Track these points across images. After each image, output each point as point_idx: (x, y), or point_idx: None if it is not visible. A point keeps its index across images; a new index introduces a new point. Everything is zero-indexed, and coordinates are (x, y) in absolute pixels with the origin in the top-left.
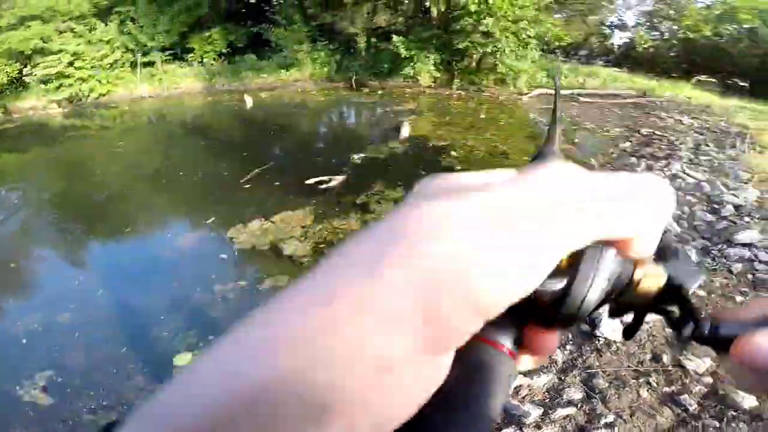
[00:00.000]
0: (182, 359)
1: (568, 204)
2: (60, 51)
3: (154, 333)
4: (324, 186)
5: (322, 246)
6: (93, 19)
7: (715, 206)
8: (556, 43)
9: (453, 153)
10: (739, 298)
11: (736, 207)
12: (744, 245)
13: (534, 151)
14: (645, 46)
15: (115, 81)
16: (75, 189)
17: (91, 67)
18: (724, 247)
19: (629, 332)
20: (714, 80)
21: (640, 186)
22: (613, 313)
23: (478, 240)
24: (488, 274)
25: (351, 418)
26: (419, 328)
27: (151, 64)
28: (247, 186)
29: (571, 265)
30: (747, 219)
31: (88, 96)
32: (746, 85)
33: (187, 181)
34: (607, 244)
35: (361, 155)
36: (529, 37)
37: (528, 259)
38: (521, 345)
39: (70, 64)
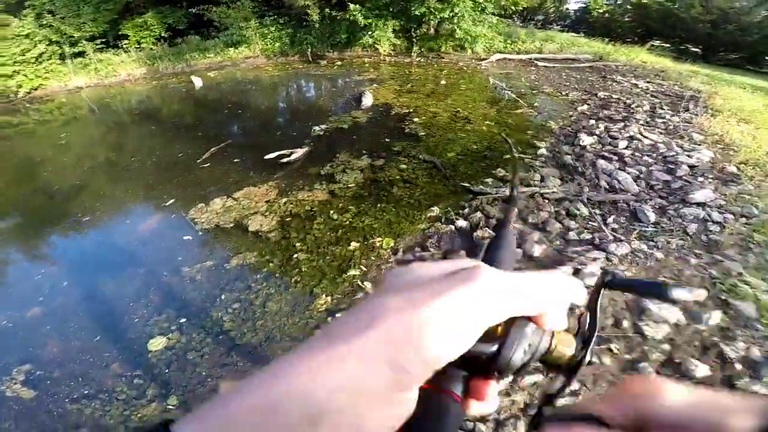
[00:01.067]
0: (156, 344)
1: (486, 295)
2: None
3: (125, 320)
4: (285, 160)
5: (288, 219)
6: (3, 15)
7: (671, 167)
8: (513, 8)
9: (416, 119)
10: (693, 261)
11: (691, 167)
12: (698, 204)
13: (495, 116)
14: (600, 11)
15: (45, 75)
16: (23, 185)
17: (14, 63)
18: (680, 206)
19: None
20: (668, 45)
21: (548, 280)
22: (547, 372)
23: (425, 318)
24: (432, 338)
25: (336, 425)
26: (386, 371)
27: (82, 54)
28: (205, 166)
29: (503, 334)
30: (701, 179)
31: (17, 92)
32: (698, 50)
33: (140, 166)
34: (529, 320)
35: (323, 127)
36: (486, 0)
37: (459, 330)
38: (468, 393)
39: None
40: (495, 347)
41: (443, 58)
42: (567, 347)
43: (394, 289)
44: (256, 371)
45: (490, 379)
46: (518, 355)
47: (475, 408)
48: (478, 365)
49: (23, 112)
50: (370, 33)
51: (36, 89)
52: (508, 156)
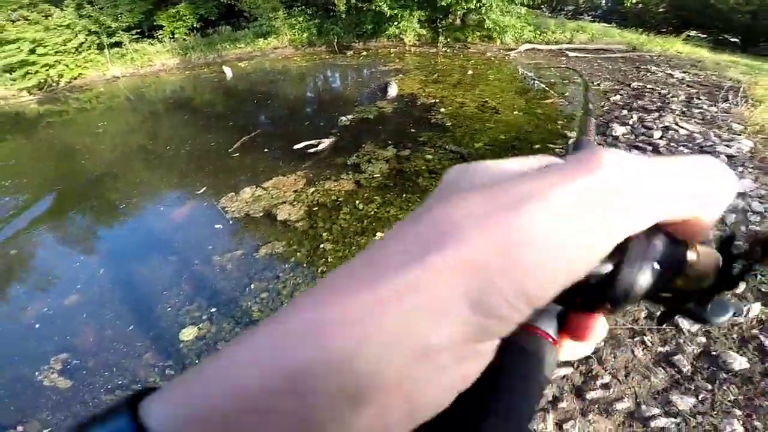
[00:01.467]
0: (188, 333)
1: (625, 189)
2: (17, 40)
3: (158, 308)
4: (312, 150)
5: (315, 209)
6: (45, 6)
7: None
8: None
9: (442, 110)
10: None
11: (730, 157)
12: (738, 194)
13: (524, 106)
14: (633, 1)
15: (84, 64)
16: (63, 171)
17: (56, 53)
18: None
19: (664, 317)
20: (705, 36)
21: (702, 170)
22: (660, 300)
23: (528, 229)
24: (540, 262)
25: (385, 403)
26: (466, 317)
27: (119, 44)
28: (236, 155)
29: (620, 247)
30: (740, 168)
31: (59, 81)
32: (737, 41)
33: (174, 155)
34: (657, 226)
35: (349, 117)
36: None
37: (582, 247)
38: (565, 331)
39: (32, 51)
40: (609, 267)
41: (470, 48)
42: (710, 260)
43: (466, 190)
44: (261, 322)
45: (597, 311)
46: (644, 278)
47: (571, 349)
48: (582, 293)
49: (63, 101)
50: (395, 23)
51: (76, 78)
52: (538, 146)
